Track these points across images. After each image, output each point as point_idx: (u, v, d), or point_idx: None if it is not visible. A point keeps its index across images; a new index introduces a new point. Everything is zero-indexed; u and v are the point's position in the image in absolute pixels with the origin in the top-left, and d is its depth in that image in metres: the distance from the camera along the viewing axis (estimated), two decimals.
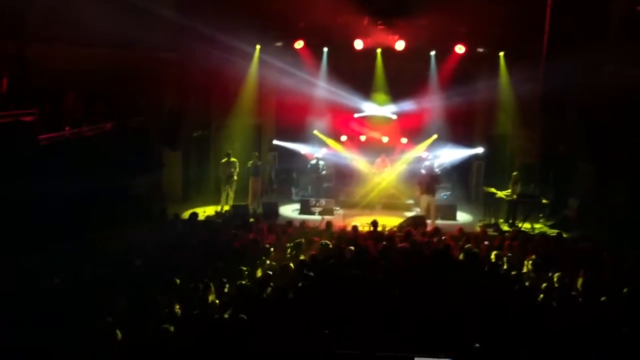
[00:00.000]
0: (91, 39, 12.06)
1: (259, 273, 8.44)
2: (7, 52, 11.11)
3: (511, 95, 16.62)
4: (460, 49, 16.80)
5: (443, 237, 11.03)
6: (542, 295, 7.38)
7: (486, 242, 10.57)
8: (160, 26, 13.89)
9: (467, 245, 10.09)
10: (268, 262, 9.09)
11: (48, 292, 7.10)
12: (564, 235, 12.02)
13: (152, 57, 13.83)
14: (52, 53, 11.68)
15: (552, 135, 15.68)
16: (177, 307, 6.71)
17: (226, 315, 6.53)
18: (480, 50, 17.08)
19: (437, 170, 16.68)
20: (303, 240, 9.95)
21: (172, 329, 5.88)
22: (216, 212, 15.21)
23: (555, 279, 7.98)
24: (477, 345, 5.66)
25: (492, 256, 9.40)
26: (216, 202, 15.71)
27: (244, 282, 7.62)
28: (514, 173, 14.86)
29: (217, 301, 7.20)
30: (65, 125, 11.14)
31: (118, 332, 5.94)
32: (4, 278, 7.34)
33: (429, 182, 15.12)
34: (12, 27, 11.05)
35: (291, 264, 8.54)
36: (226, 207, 15.37)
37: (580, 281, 7.88)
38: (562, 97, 14.64)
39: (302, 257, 9.10)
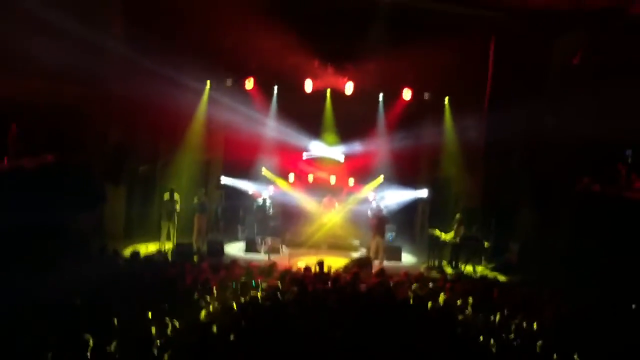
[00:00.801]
0: (35, 70, 11.81)
1: (202, 314, 8.24)
2: None
3: (455, 140, 17.07)
4: (407, 93, 17.22)
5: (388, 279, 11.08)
6: (481, 337, 7.46)
7: (430, 284, 10.67)
8: (108, 59, 13.76)
9: (413, 287, 10.17)
10: (210, 302, 8.90)
11: None
12: (501, 279, 12.26)
13: (98, 90, 13.63)
14: None
15: (495, 180, 16.14)
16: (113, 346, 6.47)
17: (166, 357, 6.33)
18: (426, 96, 17.56)
19: (383, 211, 16.93)
20: (248, 281, 9.81)
21: None
22: (158, 250, 14.85)
23: (496, 321, 8.11)
24: None
25: (441, 299, 9.49)
26: (159, 239, 15.37)
27: (183, 322, 7.43)
28: (457, 216, 15.17)
29: (158, 342, 6.98)
30: (3, 156, 10.79)
31: None
32: None
33: (378, 223, 15.30)
34: None
35: (234, 305, 8.39)
36: (167, 244, 15.03)
37: (518, 326, 8.00)
38: (505, 145, 15.18)
39: (245, 298, 8.96)
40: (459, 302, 9.56)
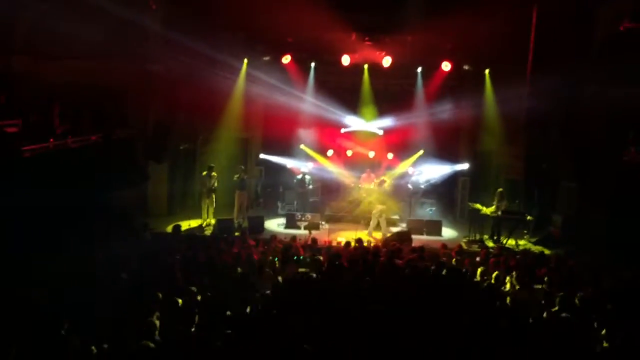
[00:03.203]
0: (77, 51, 12.02)
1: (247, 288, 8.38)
2: None
3: (496, 112, 16.75)
4: (446, 66, 16.98)
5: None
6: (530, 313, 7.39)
7: (477, 258, 10.62)
8: (147, 39, 13.90)
9: (452, 260, 10.13)
10: (254, 276, 9.04)
11: (28, 306, 6.99)
12: (546, 252, 12.09)
13: (138, 70, 13.81)
14: (38, 65, 11.62)
15: (536, 152, 15.83)
16: (157, 322, 6.62)
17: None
18: (466, 67, 17.27)
19: (422, 185, 16.93)
20: (289, 255, 9.92)
21: (151, 345, 5.81)
22: (200, 225, 15.13)
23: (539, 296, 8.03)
24: None
25: (478, 273, 9.44)
26: (201, 215, 15.62)
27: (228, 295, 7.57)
28: (499, 189, 14.94)
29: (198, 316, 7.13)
30: (49, 137, 11.06)
31: (93, 348, 5.86)
32: None
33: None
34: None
35: (279, 278, 8.51)
36: (209, 221, 15.28)
37: (558, 298, 7.89)
38: (546, 115, 14.82)
39: (286, 273, 9.08)
40: (501, 276, 9.50)
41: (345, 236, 13.69)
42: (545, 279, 9.11)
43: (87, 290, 7.70)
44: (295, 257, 10.00)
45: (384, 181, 15.85)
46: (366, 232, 14.96)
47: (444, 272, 9.22)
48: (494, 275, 9.53)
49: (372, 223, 15.09)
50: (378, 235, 14.73)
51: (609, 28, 13.84)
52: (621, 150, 13.20)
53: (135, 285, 8.17)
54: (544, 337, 6.59)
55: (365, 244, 11.96)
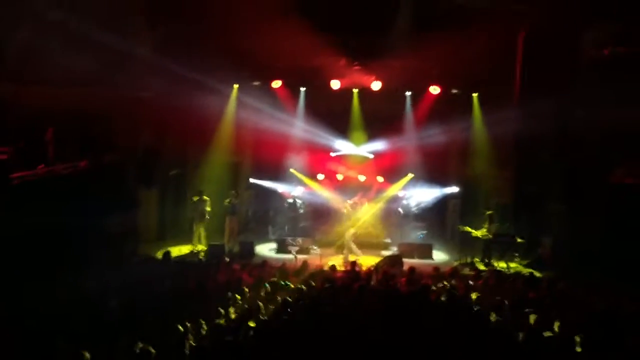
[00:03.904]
0: (67, 78, 12.01)
1: (232, 315, 8.30)
2: None
3: (485, 135, 16.88)
4: (434, 89, 17.14)
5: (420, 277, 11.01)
6: (521, 336, 7.35)
7: (470, 282, 10.60)
8: (136, 65, 13.93)
9: (444, 285, 10.08)
10: (241, 302, 8.95)
11: (16, 335, 6.88)
12: (536, 275, 12.12)
13: (128, 95, 13.81)
14: (26, 92, 11.60)
15: (526, 175, 15.90)
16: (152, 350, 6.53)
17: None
18: (454, 91, 17.42)
19: (413, 209, 16.99)
20: (279, 281, 9.85)
21: None
22: (191, 251, 15.04)
23: (532, 320, 8.00)
24: None
25: (473, 296, 9.40)
26: (191, 241, 15.53)
27: (220, 322, 7.49)
28: (488, 212, 14.99)
29: (194, 344, 7.04)
30: (38, 163, 11.01)
31: None
32: None
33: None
34: None
35: (268, 305, 8.43)
36: (199, 247, 15.20)
37: (557, 323, 7.87)
38: (535, 138, 14.92)
39: (277, 298, 9.00)
40: (492, 298, 9.46)
41: (336, 261, 13.64)
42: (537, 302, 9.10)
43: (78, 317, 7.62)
44: (283, 283, 9.93)
45: (356, 204, 15.84)
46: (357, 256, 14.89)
47: (439, 296, 9.20)
48: (481, 298, 9.50)
49: (348, 248, 15.12)
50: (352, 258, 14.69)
51: (596, 51, 14.05)
52: (611, 171, 13.33)
53: (125, 313, 8.08)
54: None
55: (356, 267, 11.89)
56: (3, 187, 9.75)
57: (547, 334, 7.49)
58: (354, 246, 15.22)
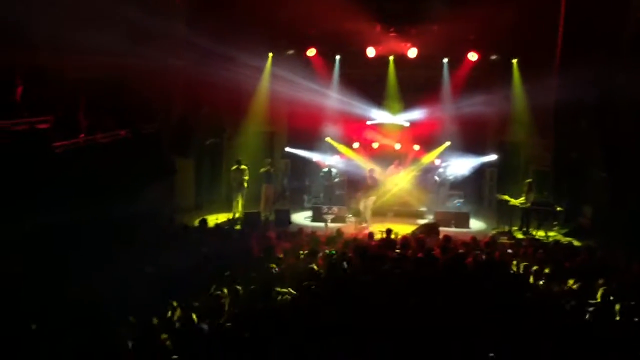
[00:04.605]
0: (102, 47, 12.12)
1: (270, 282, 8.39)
2: (21, 61, 11.19)
3: (524, 102, 16.56)
4: (472, 56, 16.82)
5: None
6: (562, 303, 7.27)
7: (509, 250, 10.52)
8: (171, 35, 13.98)
9: (480, 253, 10.01)
10: (278, 269, 9.04)
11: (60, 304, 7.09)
12: (577, 244, 11.94)
13: (163, 65, 13.89)
14: (63, 62, 11.74)
15: (566, 142, 15.56)
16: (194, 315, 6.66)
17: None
18: (493, 57, 17.06)
19: (450, 177, 16.85)
20: (319, 250, 9.88)
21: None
22: (228, 219, 15.23)
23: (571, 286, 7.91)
24: (492, 355, 5.60)
25: (514, 265, 9.33)
26: (228, 209, 15.73)
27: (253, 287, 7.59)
28: (527, 180, 14.77)
29: (231, 308, 7.15)
30: (78, 132, 11.21)
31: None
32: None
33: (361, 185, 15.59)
34: (25, 36, 11.13)
35: (304, 270, 8.50)
36: (238, 214, 15.38)
37: (600, 291, 7.74)
38: (575, 105, 14.53)
39: (314, 265, 9.06)
40: (531, 267, 9.37)
41: (372, 229, 13.64)
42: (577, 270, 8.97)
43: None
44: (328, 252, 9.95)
45: (372, 170, 15.85)
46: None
47: (476, 264, 9.13)
48: (523, 266, 9.41)
49: (363, 214, 15.14)
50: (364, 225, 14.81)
51: None
52: None
53: (164, 279, 8.25)
54: (574, 329, 6.50)
55: (393, 235, 11.87)
56: (47, 156, 9.94)
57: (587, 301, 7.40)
58: (368, 213, 15.19)
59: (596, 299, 7.48)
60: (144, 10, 12.56)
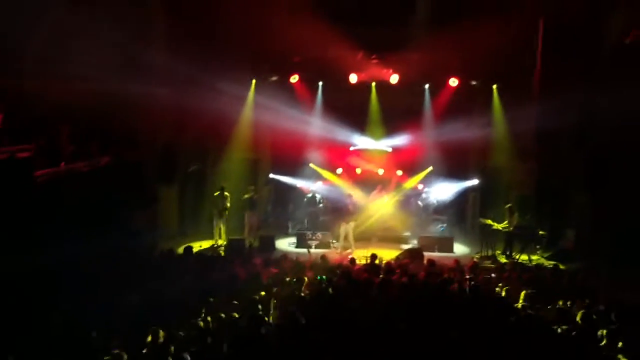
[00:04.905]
0: (86, 74, 12.10)
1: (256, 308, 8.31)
2: (3, 87, 11.13)
3: (505, 127, 16.72)
4: (453, 82, 17.02)
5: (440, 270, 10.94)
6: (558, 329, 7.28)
7: (492, 275, 10.55)
8: (154, 62, 14.00)
9: (465, 278, 10.02)
10: (264, 297, 8.97)
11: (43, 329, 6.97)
12: (561, 267, 12.00)
13: (146, 92, 13.88)
14: (47, 88, 11.69)
15: (548, 166, 15.71)
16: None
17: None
18: (474, 83, 17.27)
19: (433, 202, 16.94)
20: (305, 278, 9.83)
21: None
22: (211, 246, 15.12)
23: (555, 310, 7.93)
24: None
25: (499, 289, 9.36)
26: (212, 236, 15.61)
27: (237, 315, 7.51)
28: (507, 205, 14.84)
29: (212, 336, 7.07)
30: (60, 160, 11.11)
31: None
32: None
33: (341, 211, 15.63)
34: (8, 62, 11.10)
35: (290, 298, 8.44)
36: (220, 241, 15.28)
37: (580, 314, 7.77)
38: (556, 129, 14.72)
39: (300, 293, 9.00)
40: (514, 291, 9.39)
41: (356, 254, 13.62)
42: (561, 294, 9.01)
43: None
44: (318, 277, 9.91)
45: (351, 195, 16.07)
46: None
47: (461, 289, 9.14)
48: (505, 290, 9.43)
49: (346, 239, 15.25)
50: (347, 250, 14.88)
51: (618, 38, 13.83)
52: (634, 160, 13.12)
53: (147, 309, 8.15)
54: (559, 353, 6.51)
55: (377, 261, 11.85)
56: (28, 185, 9.84)
57: (564, 327, 7.41)
58: (351, 238, 15.23)
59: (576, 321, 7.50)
60: (127, 38, 12.60)
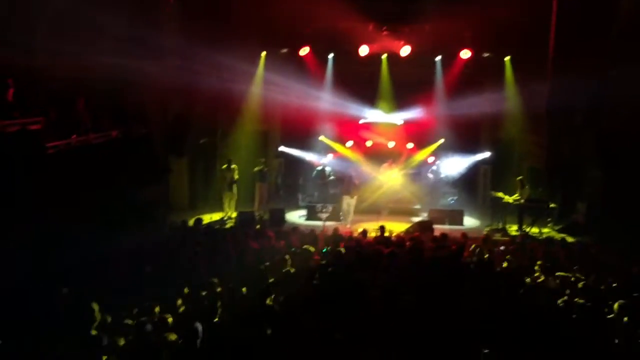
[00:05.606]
0: (96, 47, 12.09)
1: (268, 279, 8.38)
2: (15, 62, 11.15)
3: (517, 99, 16.57)
4: (465, 54, 16.84)
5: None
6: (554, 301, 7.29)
7: (501, 247, 10.55)
8: (163, 36, 13.95)
9: (476, 250, 10.03)
10: (275, 269, 9.03)
11: (52, 299, 7.07)
12: (570, 240, 11.98)
13: (156, 64, 13.85)
14: (58, 64, 11.70)
15: (560, 139, 15.58)
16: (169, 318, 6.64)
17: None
18: (486, 55, 17.06)
19: (444, 175, 16.89)
20: (311, 248, 9.89)
21: (173, 337, 5.83)
22: (221, 218, 15.22)
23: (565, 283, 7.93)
24: (486, 351, 5.61)
25: (505, 262, 9.36)
26: (222, 208, 15.70)
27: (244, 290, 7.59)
28: (518, 178, 14.77)
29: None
30: (71, 133, 11.17)
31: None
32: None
33: (348, 183, 15.52)
34: (19, 36, 11.10)
35: (299, 269, 8.50)
36: (230, 214, 15.36)
37: (589, 288, 7.76)
38: (569, 102, 14.55)
39: (308, 264, 9.06)
40: (524, 264, 9.40)
41: (366, 227, 13.65)
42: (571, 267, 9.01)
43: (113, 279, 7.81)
44: (324, 250, 9.97)
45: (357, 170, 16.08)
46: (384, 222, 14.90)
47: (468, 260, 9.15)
48: (513, 262, 9.44)
49: (346, 212, 15.26)
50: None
51: (633, 11, 13.56)
52: None
53: (157, 278, 8.25)
54: (566, 325, 6.52)
55: (386, 233, 11.88)
56: (38, 157, 9.91)
57: (579, 300, 7.41)
58: (351, 212, 15.27)
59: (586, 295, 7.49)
60: (138, 13, 12.55)
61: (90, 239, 9.75)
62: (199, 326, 5.93)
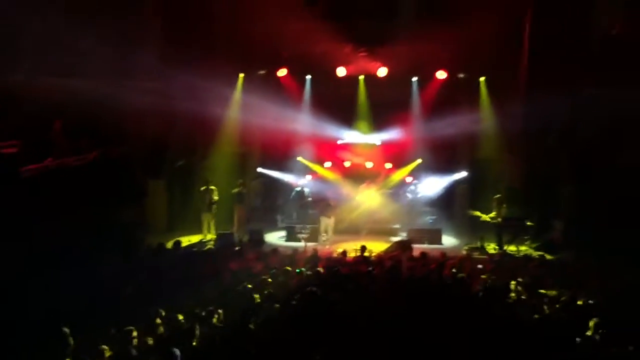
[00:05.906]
0: (75, 69, 12.04)
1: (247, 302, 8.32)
2: None
3: (493, 119, 16.77)
4: (441, 74, 17.05)
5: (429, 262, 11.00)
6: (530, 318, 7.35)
7: (480, 266, 10.62)
8: (143, 56, 13.93)
9: (453, 270, 10.08)
10: (254, 291, 8.98)
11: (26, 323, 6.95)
12: (548, 257, 12.09)
13: (135, 86, 13.81)
14: (37, 85, 11.62)
15: (536, 158, 15.79)
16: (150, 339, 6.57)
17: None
18: (461, 75, 17.29)
19: (421, 194, 16.99)
20: (289, 269, 9.87)
21: None
22: (200, 240, 15.10)
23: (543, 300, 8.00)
24: None
25: (484, 280, 9.42)
26: (201, 230, 15.58)
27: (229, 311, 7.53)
28: (496, 196, 14.91)
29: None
30: (47, 156, 11.06)
31: None
32: None
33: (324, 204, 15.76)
34: None
35: (278, 290, 8.46)
36: (209, 236, 15.26)
37: (564, 305, 7.85)
38: (544, 121, 14.79)
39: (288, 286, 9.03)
40: (503, 282, 9.46)
41: (345, 247, 13.65)
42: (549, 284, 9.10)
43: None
44: (297, 271, 9.96)
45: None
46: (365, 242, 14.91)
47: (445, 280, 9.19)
48: (491, 281, 9.51)
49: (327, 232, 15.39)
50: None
51: (604, 31, 13.90)
52: (620, 153, 13.22)
53: (135, 300, 8.15)
54: (544, 341, 6.57)
55: (367, 253, 11.91)
56: (13, 181, 9.79)
57: (557, 316, 7.49)
58: (329, 233, 15.46)
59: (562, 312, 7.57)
60: (116, 35, 12.54)
61: (67, 262, 9.63)
62: (177, 351, 5.87)
